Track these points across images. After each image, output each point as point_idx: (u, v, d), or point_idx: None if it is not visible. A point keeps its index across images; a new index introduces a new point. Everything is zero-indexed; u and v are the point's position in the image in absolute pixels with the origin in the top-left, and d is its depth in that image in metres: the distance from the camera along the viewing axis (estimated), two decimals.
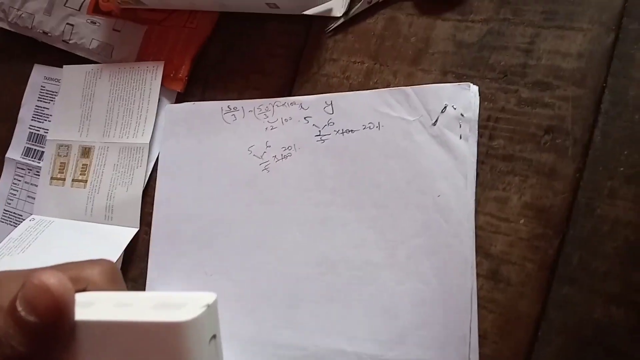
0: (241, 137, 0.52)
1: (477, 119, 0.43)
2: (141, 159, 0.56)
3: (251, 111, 0.52)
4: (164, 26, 0.58)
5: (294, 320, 0.46)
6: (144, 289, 0.54)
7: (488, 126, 0.43)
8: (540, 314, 0.39)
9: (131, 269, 0.55)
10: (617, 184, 0.39)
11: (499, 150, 0.42)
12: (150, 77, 0.57)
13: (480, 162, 0.43)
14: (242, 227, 0.48)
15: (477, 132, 0.43)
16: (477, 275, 0.41)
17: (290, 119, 0.51)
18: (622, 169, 0.39)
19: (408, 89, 0.46)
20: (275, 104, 0.51)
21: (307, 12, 0.51)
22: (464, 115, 0.43)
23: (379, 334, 0.43)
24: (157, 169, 0.56)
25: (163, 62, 0.57)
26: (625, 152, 0.39)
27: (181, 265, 0.53)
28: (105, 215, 0.57)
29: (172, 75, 0.57)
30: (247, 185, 0.51)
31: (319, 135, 0.49)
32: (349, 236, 0.45)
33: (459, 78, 0.45)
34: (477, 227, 0.42)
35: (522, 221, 0.41)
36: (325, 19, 0.51)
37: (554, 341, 0.38)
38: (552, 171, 0.41)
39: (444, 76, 0.45)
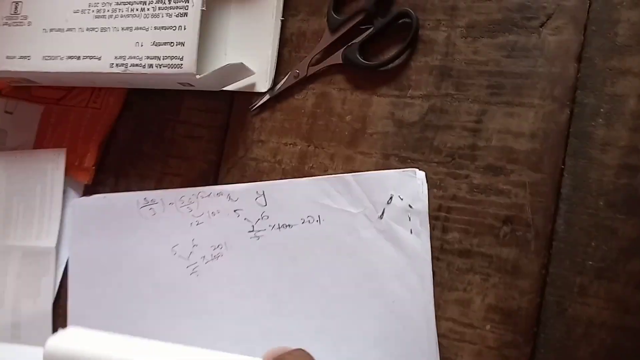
0: (163, 235, 0.45)
1: (427, 210, 0.38)
2: (48, 266, 0.48)
3: (172, 204, 0.45)
4: (63, 105, 0.50)
5: None
6: None
7: (440, 217, 0.38)
8: None
9: None
10: (587, 279, 0.34)
11: (454, 245, 0.37)
12: (52, 168, 0.49)
13: (435, 259, 0.37)
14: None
15: (428, 225, 0.37)
16: None
17: (219, 212, 0.43)
18: (590, 262, 0.34)
19: (349, 176, 0.40)
20: (200, 194, 0.44)
21: (227, 88, 0.44)
22: (413, 206, 0.38)
23: None
24: (67, 275, 0.47)
25: (65, 149, 0.49)
26: (593, 244, 0.34)
27: None
28: (12, 334, 0.48)
29: (76, 164, 0.48)
30: (174, 291, 0.44)
31: (253, 231, 0.42)
32: None
33: (403, 162, 0.39)
34: (440, 335, 0.36)
35: (488, 327, 0.35)
36: (248, 94, 0.44)
37: None
38: (516, 268, 0.35)
39: (386, 160, 0.40)
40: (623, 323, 0.33)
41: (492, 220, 0.37)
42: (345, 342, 0.38)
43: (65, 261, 0.48)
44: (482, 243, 0.36)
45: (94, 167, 0.48)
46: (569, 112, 0.36)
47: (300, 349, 0.32)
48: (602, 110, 0.35)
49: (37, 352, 0.45)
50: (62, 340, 0.35)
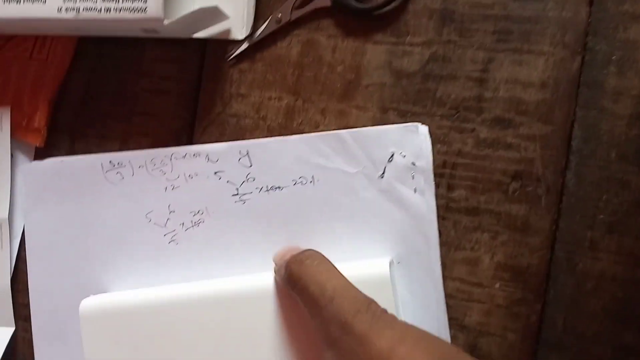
0: (134, 201, 0.40)
1: (431, 167, 0.35)
2: (2, 239, 0.42)
3: (142, 167, 0.40)
4: (1, 56, 0.42)
5: None
6: None
7: (445, 174, 0.35)
8: None
9: None
10: (598, 234, 0.33)
11: (461, 203, 0.35)
12: None
13: (440, 218, 0.35)
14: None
15: (433, 183, 0.35)
16: None
17: (197, 174, 0.39)
18: (602, 216, 0.33)
19: (344, 133, 0.36)
20: (174, 155, 0.39)
21: (197, 35, 0.39)
22: (416, 164, 0.35)
23: None
24: (25, 248, 0.42)
25: (9, 107, 0.42)
26: (604, 197, 0.33)
27: None
28: None
29: (24, 124, 0.42)
30: (151, 261, 0.40)
31: (237, 194, 0.38)
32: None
33: (403, 116, 0.36)
34: (447, 296, 0.35)
35: (497, 285, 0.34)
36: (223, 42, 0.39)
37: None
38: (525, 225, 0.34)
39: (384, 114, 0.36)
40: (635, 276, 0.32)
41: (501, 175, 0.34)
42: None
43: (20, 232, 0.42)
44: (490, 200, 0.34)
45: (45, 127, 0.42)
46: (580, 60, 0.33)
47: (311, 249, 0.33)
48: (614, 57, 0.33)
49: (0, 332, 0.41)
50: (96, 300, 0.37)
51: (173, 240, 0.39)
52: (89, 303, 0.37)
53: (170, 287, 0.36)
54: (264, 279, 0.35)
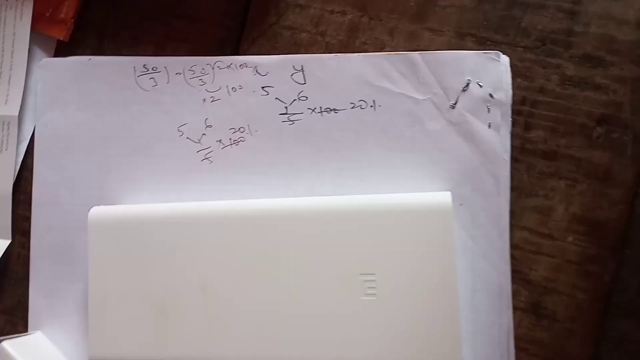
0: (167, 111, 0.35)
1: (510, 101, 0.31)
2: (7, 139, 0.37)
3: (180, 74, 0.35)
4: None
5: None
6: (25, 324, 0.36)
7: (523, 112, 0.31)
8: (594, 357, 0.30)
9: (3, 298, 0.37)
10: None
11: (538, 145, 0.31)
12: (13, 17, 0.37)
13: (514, 160, 0.31)
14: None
15: (510, 119, 0.31)
16: (514, 308, 0.31)
17: (241, 87, 0.35)
18: None
19: (415, 55, 0.32)
20: (217, 64, 0.35)
21: None
22: (494, 96, 0.31)
23: None
24: (33, 154, 0.37)
25: None
26: None
27: (77, 291, 0.36)
28: None
29: (48, 14, 0.37)
30: (179, 177, 0.35)
31: (286, 113, 0.34)
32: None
33: (481, 44, 0.32)
34: (513, 247, 0.31)
35: (570, 239, 0.30)
36: None
37: None
38: (607, 174, 0.30)
39: (461, 40, 0.32)
40: None
41: (585, 118, 0.31)
42: None
43: (29, 135, 0.37)
44: (571, 144, 0.31)
45: (72, 20, 0.37)
46: None
47: None
48: None
49: None
50: (108, 209, 0.33)
51: (207, 159, 0.35)
52: (100, 211, 0.32)
53: (196, 203, 0.32)
54: (300, 202, 0.31)
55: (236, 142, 0.34)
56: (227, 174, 0.34)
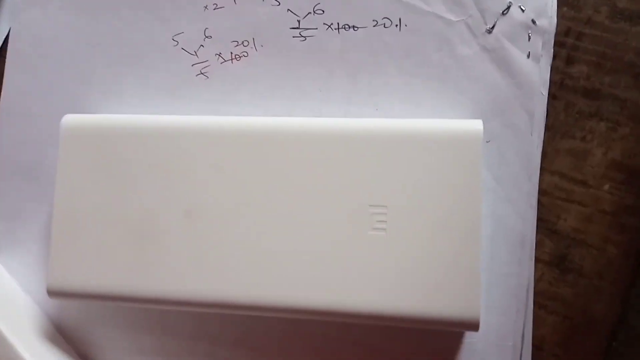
0: (162, 18, 0.31)
1: (554, 30, 0.28)
2: None
3: None
4: None
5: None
6: None
7: (566, 44, 0.28)
8: (620, 319, 0.26)
9: None
10: None
11: (579, 81, 0.28)
12: None
13: (551, 97, 0.28)
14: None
15: (552, 50, 0.27)
16: (536, 260, 0.27)
17: None
18: None
19: None
20: None
21: None
22: (537, 22, 0.28)
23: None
24: (5, 56, 0.32)
25: None
26: None
27: (44, 214, 0.31)
28: None
29: None
30: (169, 97, 0.31)
31: (298, 28, 0.30)
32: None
33: None
34: (541, 192, 0.27)
35: (606, 186, 0.27)
36: None
37: (635, 357, 0.26)
38: None
39: None
40: None
41: (634, 56, 0.27)
42: None
43: (3, 36, 0.32)
44: (617, 83, 0.27)
45: None
46: None
47: None
48: None
49: None
50: (85, 117, 0.29)
51: (203, 74, 0.30)
52: (75, 119, 0.28)
53: (186, 117, 0.28)
54: (307, 122, 0.26)
55: (238, 57, 0.30)
56: (224, 93, 0.30)
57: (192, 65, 0.31)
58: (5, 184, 0.32)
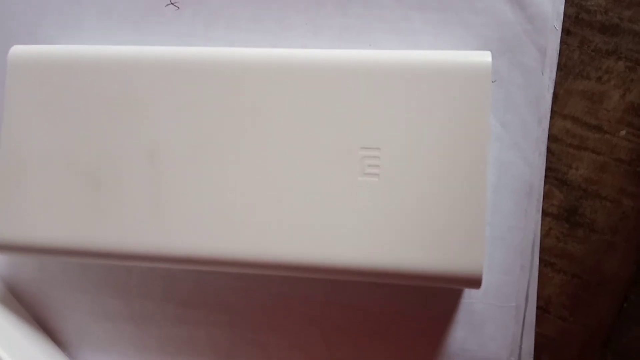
0: None
1: None
2: None
3: None
4: None
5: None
6: None
7: None
8: (634, 278, 0.24)
9: None
10: None
11: (596, 16, 0.24)
12: None
13: (564, 32, 0.24)
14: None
15: None
16: (544, 213, 0.24)
17: None
18: None
19: None
20: None
21: None
22: None
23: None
24: None
25: None
26: None
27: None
28: None
29: None
30: (133, 30, 0.27)
31: None
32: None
33: None
34: (551, 138, 0.24)
35: (622, 132, 0.24)
36: None
37: None
38: None
39: None
40: None
41: None
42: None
43: None
44: (637, 18, 0.24)
45: None
46: None
47: None
48: None
49: None
50: (35, 48, 0.25)
51: (172, 4, 0.27)
52: (24, 50, 0.24)
53: (149, 47, 0.24)
54: (290, 53, 0.23)
55: None
56: (196, 25, 0.27)
57: None
58: None
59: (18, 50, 0.25)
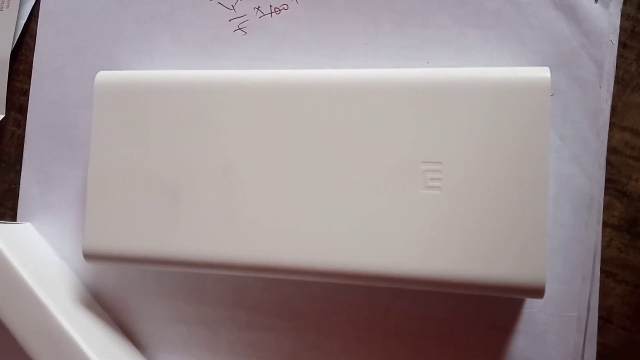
0: None
1: None
2: None
3: None
4: None
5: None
6: (13, 215, 0.31)
7: None
8: None
9: None
10: None
11: None
12: None
13: (621, 46, 0.25)
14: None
15: None
16: (604, 224, 0.25)
17: None
18: None
19: None
20: None
21: None
22: None
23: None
24: (38, 15, 0.31)
25: None
26: None
27: (76, 179, 0.30)
28: None
29: None
30: (205, 55, 0.29)
31: None
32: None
33: None
34: (610, 150, 0.25)
35: None
36: None
37: None
38: None
39: None
40: None
41: None
42: None
43: None
44: None
45: None
46: None
47: None
48: None
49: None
50: (119, 74, 0.27)
51: (240, 29, 0.29)
52: (109, 76, 0.26)
53: (223, 71, 0.26)
54: (353, 73, 0.24)
55: (277, 11, 0.28)
56: (263, 49, 0.28)
57: (230, 20, 0.29)
58: (39, 146, 0.30)
59: (103, 75, 0.27)
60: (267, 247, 0.24)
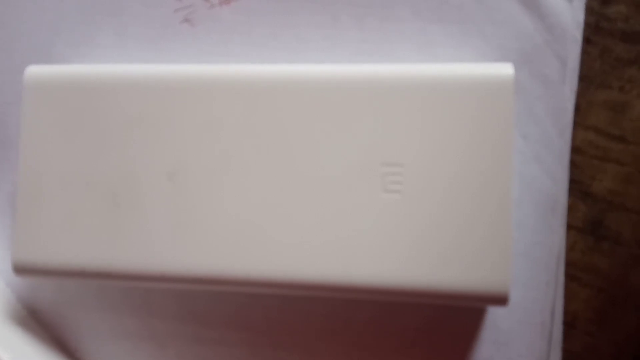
0: None
1: None
2: None
3: None
4: None
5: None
6: None
7: None
8: None
9: None
10: None
11: (617, 24, 0.24)
12: None
13: (585, 42, 0.24)
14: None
15: None
16: (568, 226, 0.24)
17: None
18: None
19: None
20: None
21: None
22: None
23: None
24: None
25: None
26: None
27: (7, 183, 0.28)
28: None
29: None
30: (149, 49, 0.27)
31: None
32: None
33: None
34: (574, 150, 0.24)
35: None
36: None
37: None
38: None
39: None
40: None
41: None
42: None
43: None
44: None
45: None
46: None
47: None
48: None
49: None
50: (50, 68, 0.25)
51: (188, 21, 0.27)
52: (40, 71, 0.24)
53: (168, 66, 0.24)
54: (309, 69, 0.23)
55: (227, 1, 0.26)
56: (212, 43, 0.27)
57: (175, 11, 0.27)
58: None
59: (33, 70, 0.25)
60: (217, 258, 0.22)
